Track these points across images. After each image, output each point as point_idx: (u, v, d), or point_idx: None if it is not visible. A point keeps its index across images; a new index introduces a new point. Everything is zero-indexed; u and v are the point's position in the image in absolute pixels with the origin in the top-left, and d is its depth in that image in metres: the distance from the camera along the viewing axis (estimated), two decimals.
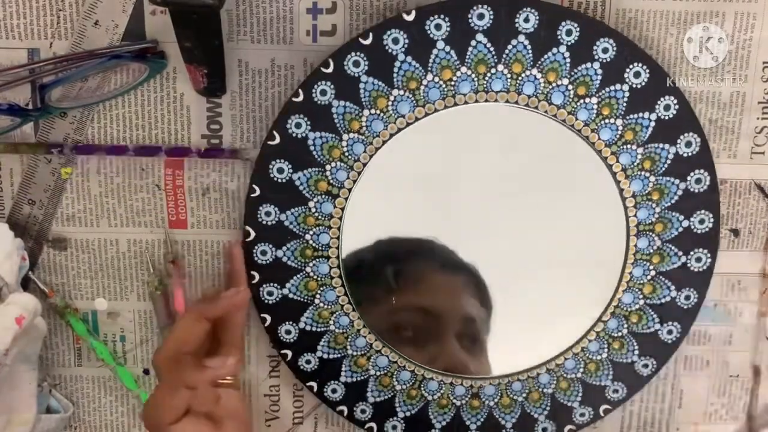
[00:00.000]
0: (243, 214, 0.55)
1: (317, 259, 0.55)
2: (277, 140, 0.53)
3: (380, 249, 0.55)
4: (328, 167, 0.53)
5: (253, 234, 0.54)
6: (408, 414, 0.58)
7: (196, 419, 0.47)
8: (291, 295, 0.55)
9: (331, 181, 0.54)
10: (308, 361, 0.57)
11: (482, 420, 0.58)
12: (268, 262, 0.55)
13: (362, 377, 0.57)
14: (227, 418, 0.49)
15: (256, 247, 0.55)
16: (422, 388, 0.58)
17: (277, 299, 0.55)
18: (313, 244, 0.55)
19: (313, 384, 0.57)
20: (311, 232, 0.55)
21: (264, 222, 0.54)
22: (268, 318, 0.56)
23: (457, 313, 0.56)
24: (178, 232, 0.56)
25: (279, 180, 0.54)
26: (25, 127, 0.54)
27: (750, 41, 0.55)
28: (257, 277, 0.55)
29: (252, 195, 0.54)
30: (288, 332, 0.56)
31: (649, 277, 0.56)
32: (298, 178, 0.54)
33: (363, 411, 0.58)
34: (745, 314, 0.60)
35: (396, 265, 0.55)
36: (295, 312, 0.56)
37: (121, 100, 0.54)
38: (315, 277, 0.55)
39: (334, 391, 0.57)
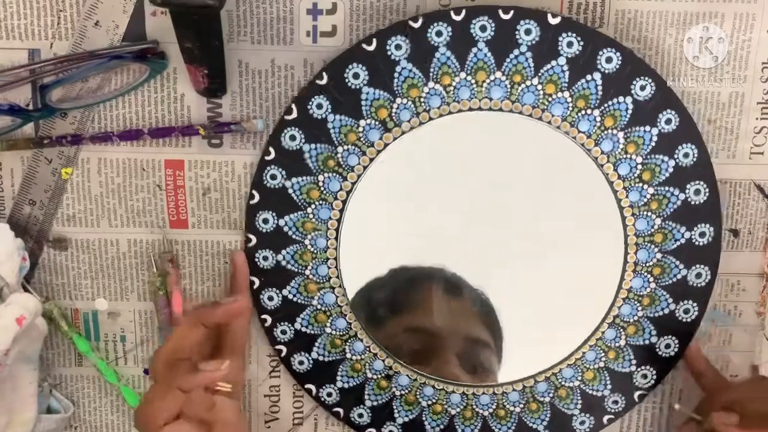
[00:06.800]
0: (243, 214, 0.55)
1: (315, 261, 0.55)
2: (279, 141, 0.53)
3: (379, 253, 0.56)
4: (320, 178, 0.54)
5: (254, 240, 0.55)
6: (438, 428, 0.59)
7: (187, 423, 0.46)
8: (291, 297, 0.56)
9: (324, 191, 0.54)
10: (301, 362, 0.57)
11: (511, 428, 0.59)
12: (269, 267, 0.55)
13: (383, 397, 0.58)
14: (220, 426, 0.48)
15: (258, 253, 0.55)
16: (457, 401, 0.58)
17: (278, 304, 0.56)
18: (312, 249, 0.55)
19: (312, 387, 0.58)
20: (309, 237, 0.55)
21: (263, 229, 0.55)
22: (269, 319, 0.56)
23: (458, 332, 0.57)
24: (179, 232, 0.56)
25: (274, 186, 0.54)
26: (25, 127, 0.54)
27: (749, 41, 0.55)
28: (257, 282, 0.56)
29: (251, 202, 0.54)
30: (284, 332, 0.57)
31: (654, 260, 0.56)
32: (308, 154, 0.54)
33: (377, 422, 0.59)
34: (745, 314, 0.60)
35: (396, 287, 0.56)
36: (294, 313, 0.56)
37: (122, 101, 0.54)
38: (314, 279, 0.56)
39: (336, 401, 0.58)
